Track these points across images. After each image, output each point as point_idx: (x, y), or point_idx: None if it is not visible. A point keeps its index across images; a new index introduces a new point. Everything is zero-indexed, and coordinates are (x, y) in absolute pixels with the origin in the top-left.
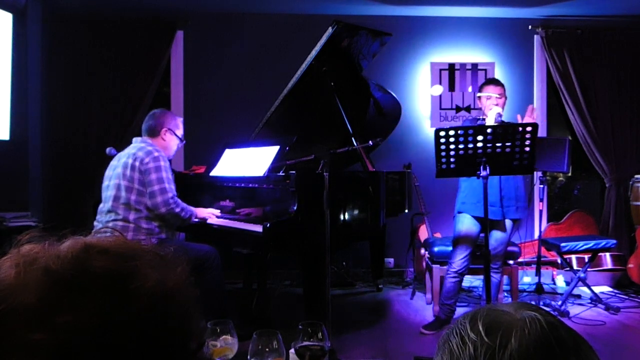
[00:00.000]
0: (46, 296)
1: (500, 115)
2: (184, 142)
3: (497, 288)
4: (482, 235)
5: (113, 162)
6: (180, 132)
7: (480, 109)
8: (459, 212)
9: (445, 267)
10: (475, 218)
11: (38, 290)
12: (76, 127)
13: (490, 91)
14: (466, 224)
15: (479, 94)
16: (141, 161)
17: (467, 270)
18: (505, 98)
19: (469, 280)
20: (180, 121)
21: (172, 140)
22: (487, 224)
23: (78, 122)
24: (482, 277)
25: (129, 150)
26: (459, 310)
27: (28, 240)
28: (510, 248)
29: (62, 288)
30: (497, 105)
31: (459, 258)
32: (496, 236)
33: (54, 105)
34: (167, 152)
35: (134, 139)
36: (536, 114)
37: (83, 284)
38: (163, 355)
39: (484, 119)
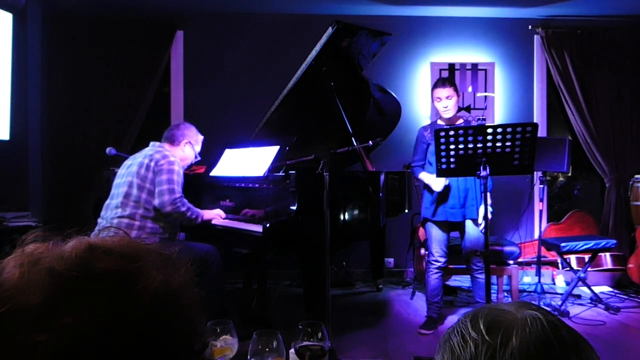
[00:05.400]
0: (50, 297)
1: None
2: (199, 159)
3: (483, 288)
4: (452, 234)
5: (127, 162)
6: (199, 148)
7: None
8: (424, 218)
9: None
10: (438, 222)
11: (42, 291)
12: (76, 127)
13: (438, 94)
14: (434, 226)
15: (435, 98)
16: (156, 162)
17: (447, 265)
18: (458, 96)
19: (469, 281)
20: (201, 139)
21: (190, 154)
22: (487, 224)
23: (78, 122)
24: (464, 276)
25: (146, 151)
26: (461, 311)
27: (32, 240)
28: (510, 248)
29: (66, 289)
30: (446, 107)
31: (438, 255)
32: (468, 237)
33: (54, 105)
34: (182, 163)
35: (152, 143)
36: None
37: (87, 285)
38: (168, 356)
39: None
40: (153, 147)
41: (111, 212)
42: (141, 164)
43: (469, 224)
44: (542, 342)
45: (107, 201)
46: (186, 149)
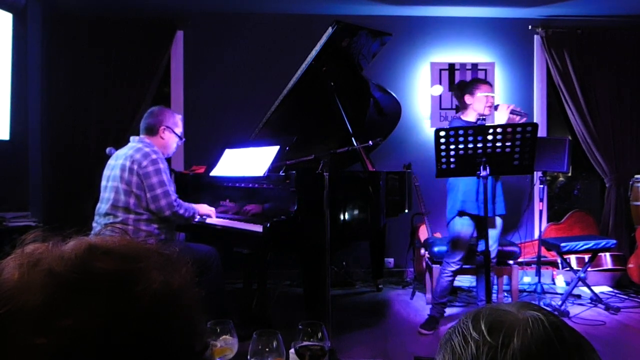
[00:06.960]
0: (50, 298)
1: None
2: (184, 140)
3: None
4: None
5: (110, 162)
6: (179, 130)
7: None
8: (460, 212)
9: None
10: (474, 216)
11: (42, 292)
12: (76, 127)
13: (486, 91)
14: (466, 225)
15: (479, 94)
16: (139, 164)
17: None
18: None
19: (469, 280)
20: (179, 118)
21: (170, 139)
22: (486, 224)
23: (78, 122)
24: (464, 276)
25: (126, 150)
26: (460, 311)
27: (32, 240)
28: (510, 248)
29: (66, 290)
30: (491, 105)
31: (458, 259)
32: (491, 234)
33: (54, 105)
34: (166, 151)
35: (132, 138)
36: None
37: (87, 285)
38: (168, 356)
39: (484, 119)
40: (133, 142)
41: (103, 218)
42: (123, 167)
43: (497, 220)
44: (543, 342)
45: (98, 205)
46: (166, 135)
